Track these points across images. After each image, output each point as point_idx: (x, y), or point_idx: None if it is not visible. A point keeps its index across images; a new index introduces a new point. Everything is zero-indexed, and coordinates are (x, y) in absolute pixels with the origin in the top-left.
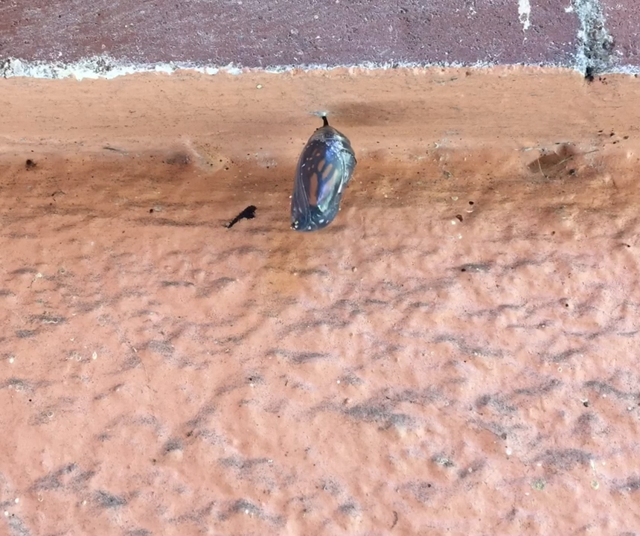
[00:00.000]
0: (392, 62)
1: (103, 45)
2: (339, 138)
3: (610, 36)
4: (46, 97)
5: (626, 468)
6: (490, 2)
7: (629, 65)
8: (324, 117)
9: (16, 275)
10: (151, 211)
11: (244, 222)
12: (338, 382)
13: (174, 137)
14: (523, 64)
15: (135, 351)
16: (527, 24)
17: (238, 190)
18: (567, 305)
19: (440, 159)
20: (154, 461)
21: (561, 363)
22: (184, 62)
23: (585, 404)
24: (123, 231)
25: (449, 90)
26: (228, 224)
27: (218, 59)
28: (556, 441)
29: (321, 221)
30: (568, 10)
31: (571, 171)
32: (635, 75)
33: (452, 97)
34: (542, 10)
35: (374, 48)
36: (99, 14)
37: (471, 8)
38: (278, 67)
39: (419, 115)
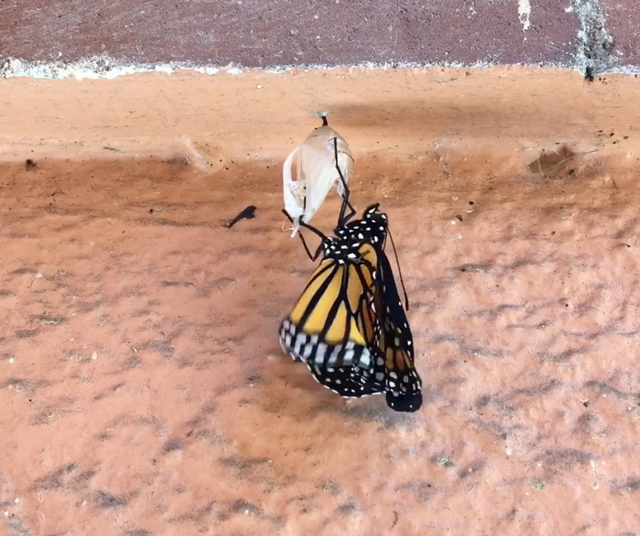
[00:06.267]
0: (392, 62)
1: (103, 45)
2: (336, 138)
3: (610, 36)
4: (46, 97)
5: (626, 468)
6: (490, 2)
7: (629, 65)
8: (323, 118)
9: (16, 275)
10: (151, 211)
11: (244, 222)
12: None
13: (174, 137)
14: (523, 64)
15: (135, 351)
16: (527, 24)
17: (238, 190)
18: (567, 305)
19: (440, 159)
20: (154, 461)
21: (561, 363)
22: (184, 62)
23: (585, 404)
24: (123, 231)
25: (449, 90)
26: (228, 224)
27: (218, 59)
28: (556, 441)
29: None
30: (568, 10)
31: (571, 171)
32: (635, 75)
33: (452, 97)
34: (542, 10)
35: (374, 48)
36: (99, 14)
37: (471, 8)
38: (278, 67)
39: (419, 115)
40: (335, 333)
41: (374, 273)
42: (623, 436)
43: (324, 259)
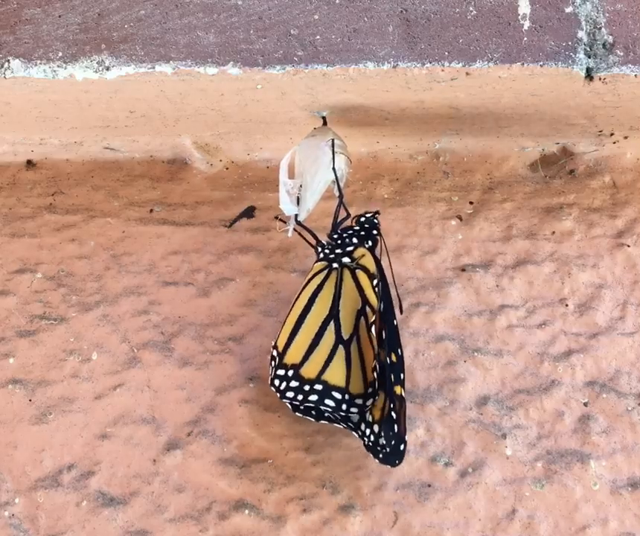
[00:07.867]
0: (392, 62)
1: (103, 45)
2: (334, 139)
3: (610, 36)
4: (46, 97)
5: (626, 468)
6: (490, 2)
7: (629, 65)
8: (323, 118)
9: (16, 275)
10: (151, 211)
11: (244, 222)
12: None
13: (174, 137)
14: (523, 64)
15: (135, 351)
16: (527, 24)
17: (238, 190)
18: (567, 305)
19: (440, 159)
20: (154, 461)
21: (561, 363)
22: (184, 62)
23: (585, 404)
24: (123, 231)
25: (449, 90)
26: (228, 224)
27: (218, 59)
28: (556, 441)
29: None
30: (568, 10)
31: (571, 171)
32: (635, 75)
33: (452, 97)
34: (542, 10)
35: (374, 48)
36: (99, 14)
37: (471, 8)
38: (278, 67)
39: (419, 115)
40: (311, 367)
41: (375, 282)
42: (623, 436)
43: (316, 262)
